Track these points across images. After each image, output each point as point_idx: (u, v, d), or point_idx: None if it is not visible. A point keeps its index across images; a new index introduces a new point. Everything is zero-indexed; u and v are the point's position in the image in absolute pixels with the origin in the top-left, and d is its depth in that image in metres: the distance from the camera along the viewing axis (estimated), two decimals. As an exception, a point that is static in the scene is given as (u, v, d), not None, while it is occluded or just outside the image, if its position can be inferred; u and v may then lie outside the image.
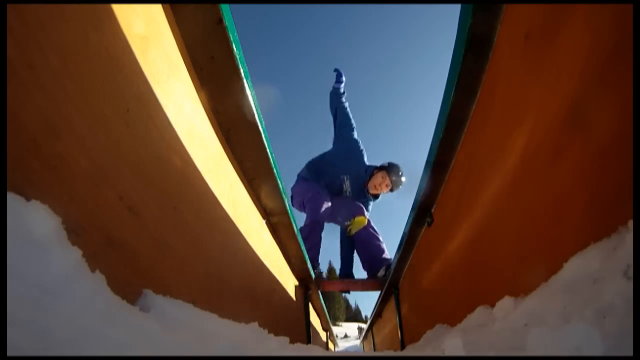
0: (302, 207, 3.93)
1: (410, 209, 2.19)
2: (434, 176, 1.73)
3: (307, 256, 2.96)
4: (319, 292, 4.10)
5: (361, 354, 2.24)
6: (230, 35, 1.21)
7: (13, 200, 0.51)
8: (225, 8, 1.15)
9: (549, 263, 0.83)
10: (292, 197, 4.05)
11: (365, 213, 3.88)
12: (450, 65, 1.30)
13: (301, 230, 3.54)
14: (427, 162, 1.74)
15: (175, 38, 1.15)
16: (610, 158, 0.67)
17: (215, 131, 1.47)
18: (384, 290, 3.74)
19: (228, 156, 1.61)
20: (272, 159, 1.78)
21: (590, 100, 0.71)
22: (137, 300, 0.78)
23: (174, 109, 1.08)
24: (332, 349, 7.71)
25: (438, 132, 1.52)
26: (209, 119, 1.41)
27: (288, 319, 2.85)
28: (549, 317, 0.68)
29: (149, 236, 0.90)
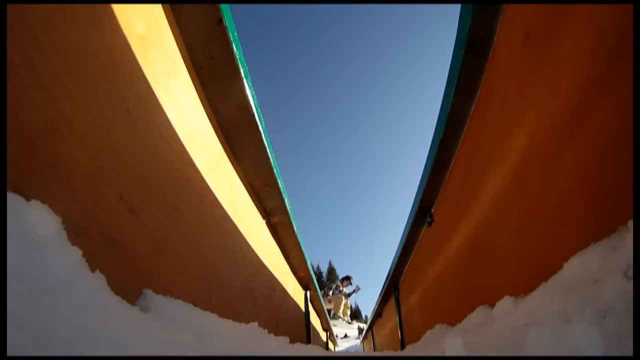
0: None
1: (410, 209, 2.20)
2: (434, 176, 1.73)
3: (306, 256, 2.96)
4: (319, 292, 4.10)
5: (361, 354, 2.24)
6: (230, 35, 1.21)
7: (13, 200, 0.51)
8: (225, 8, 1.15)
9: (549, 263, 0.83)
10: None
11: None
12: (450, 65, 1.30)
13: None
14: (427, 162, 1.74)
15: (175, 38, 1.15)
16: (610, 158, 0.67)
17: (215, 131, 1.47)
18: (384, 290, 3.74)
19: (228, 156, 1.61)
20: (272, 159, 1.78)
21: (590, 101, 0.71)
22: (137, 300, 0.78)
23: (174, 109, 1.08)
24: (332, 349, 7.71)
25: (438, 132, 1.52)
26: (209, 119, 1.41)
27: (288, 319, 2.85)
28: (549, 317, 0.68)
29: (149, 236, 0.90)
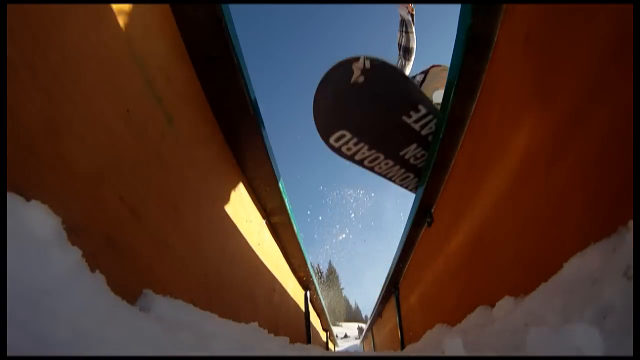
0: None
1: (410, 209, 2.20)
2: (434, 176, 1.73)
3: (306, 256, 2.96)
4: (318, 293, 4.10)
5: (361, 354, 2.24)
6: (230, 35, 1.21)
7: (13, 200, 0.51)
8: (225, 8, 1.15)
9: (549, 263, 0.83)
10: None
11: None
12: (450, 65, 1.30)
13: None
14: (427, 162, 1.74)
15: (175, 38, 1.15)
16: (610, 158, 0.67)
17: (215, 131, 1.47)
18: (384, 290, 3.74)
19: (228, 156, 1.61)
20: (272, 159, 1.78)
21: (590, 101, 0.71)
22: (137, 300, 0.78)
23: (173, 109, 1.08)
24: (332, 349, 7.71)
25: (438, 132, 1.52)
26: (209, 119, 1.41)
27: (288, 319, 2.85)
28: (549, 317, 0.68)
29: (149, 236, 0.90)
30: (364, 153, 2.00)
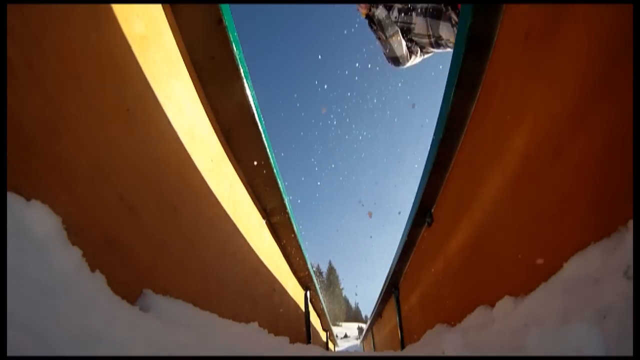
0: None
1: (410, 209, 2.20)
2: (434, 176, 1.73)
3: (306, 256, 2.97)
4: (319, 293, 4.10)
5: (361, 354, 2.24)
6: (230, 35, 1.21)
7: (13, 200, 0.51)
8: (225, 8, 1.15)
9: (549, 263, 0.83)
10: None
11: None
12: (450, 65, 1.30)
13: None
14: (427, 162, 1.74)
15: (175, 38, 1.15)
16: (610, 158, 0.67)
17: (215, 131, 1.47)
18: (384, 290, 3.74)
19: (228, 156, 1.61)
20: (272, 159, 1.78)
21: (591, 100, 0.71)
22: (137, 300, 0.78)
23: (174, 109, 1.08)
24: (332, 349, 7.72)
25: (438, 132, 1.52)
26: (209, 119, 1.41)
27: (288, 319, 2.85)
28: (549, 317, 0.68)
29: (149, 236, 0.90)
30: None
